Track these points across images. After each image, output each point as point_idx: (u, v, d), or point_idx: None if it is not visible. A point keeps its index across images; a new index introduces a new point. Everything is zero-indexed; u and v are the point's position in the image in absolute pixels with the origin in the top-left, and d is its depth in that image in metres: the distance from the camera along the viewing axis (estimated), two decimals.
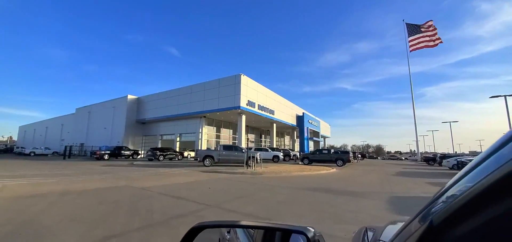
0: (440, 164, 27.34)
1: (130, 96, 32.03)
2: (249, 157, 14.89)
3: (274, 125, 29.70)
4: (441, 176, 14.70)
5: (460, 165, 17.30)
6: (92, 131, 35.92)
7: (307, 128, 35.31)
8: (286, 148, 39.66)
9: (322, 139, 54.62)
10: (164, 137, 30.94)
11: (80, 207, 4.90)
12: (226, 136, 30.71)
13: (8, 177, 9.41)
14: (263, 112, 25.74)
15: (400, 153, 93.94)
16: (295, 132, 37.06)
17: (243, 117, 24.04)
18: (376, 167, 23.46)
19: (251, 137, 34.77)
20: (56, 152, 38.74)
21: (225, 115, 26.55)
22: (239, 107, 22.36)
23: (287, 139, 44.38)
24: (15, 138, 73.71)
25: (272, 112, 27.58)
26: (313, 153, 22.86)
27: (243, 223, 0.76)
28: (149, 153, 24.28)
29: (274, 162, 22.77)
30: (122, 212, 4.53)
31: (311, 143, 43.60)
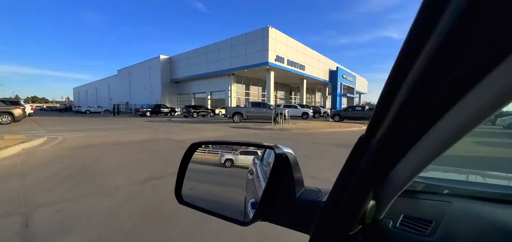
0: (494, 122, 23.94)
1: (162, 56, 33.29)
2: (277, 114, 14.91)
3: (305, 81, 28.55)
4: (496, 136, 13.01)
5: None
6: (134, 90, 39.25)
7: (341, 83, 33.23)
8: (317, 104, 38.54)
9: (358, 95, 51.28)
10: (197, 95, 32.40)
11: (127, 154, 5.60)
12: (255, 93, 30.81)
13: (68, 131, 11.10)
14: (292, 68, 24.69)
15: None
16: (326, 88, 35.33)
17: (272, 73, 23.49)
18: None
19: (280, 93, 34.32)
20: (107, 110, 43.89)
21: (253, 72, 26.25)
22: (267, 63, 21.72)
23: (318, 95, 42.83)
24: (71, 98, 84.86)
25: (302, 67, 26.29)
26: (345, 109, 21.82)
27: (235, 140, 0.88)
28: (184, 110, 25.94)
29: (303, 119, 22.53)
30: (161, 160, 5.06)
31: (344, 100, 41.46)
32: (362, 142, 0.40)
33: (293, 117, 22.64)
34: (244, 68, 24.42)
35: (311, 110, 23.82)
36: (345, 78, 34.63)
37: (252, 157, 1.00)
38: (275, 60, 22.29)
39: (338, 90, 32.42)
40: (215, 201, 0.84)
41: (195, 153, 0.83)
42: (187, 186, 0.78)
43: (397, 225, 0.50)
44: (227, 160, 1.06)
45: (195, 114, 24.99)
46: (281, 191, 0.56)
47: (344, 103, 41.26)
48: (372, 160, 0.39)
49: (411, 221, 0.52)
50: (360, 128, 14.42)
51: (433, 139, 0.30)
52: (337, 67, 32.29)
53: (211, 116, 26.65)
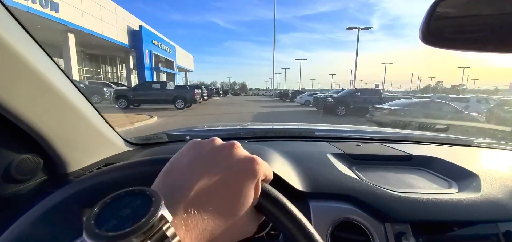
0: (291, 99, 27.27)
1: None
2: None
3: (70, 36, 15.86)
4: (308, 119, 10.72)
5: (316, 100, 14.67)
6: None
7: (150, 51, 23.96)
8: (120, 81, 26.85)
9: (183, 72, 45.00)
10: None
11: None
12: None
13: None
14: None
15: (259, 90, 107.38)
16: (131, 57, 24.56)
17: None
18: (234, 106, 18.14)
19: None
20: None
21: None
22: None
23: (124, 67, 30.62)
24: None
25: (53, 6, 13.57)
26: (134, 88, 13.21)
27: None
28: None
29: None
30: None
31: (163, 76, 32.92)
32: None
33: None
34: None
35: None
36: (157, 45, 25.75)
37: None
38: None
39: (147, 61, 23.03)
40: None
41: None
42: None
43: None
44: None
45: None
46: None
47: (163, 80, 32.85)
48: None
49: None
50: (134, 126, 6.76)
51: None
52: (141, 27, 22.39)
53: None
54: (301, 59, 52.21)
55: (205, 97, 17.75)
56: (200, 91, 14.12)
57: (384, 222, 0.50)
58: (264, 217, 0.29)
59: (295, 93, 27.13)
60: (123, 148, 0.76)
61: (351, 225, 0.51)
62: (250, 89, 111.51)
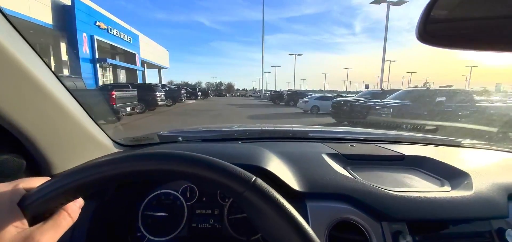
0: (287, 103, 21.35)
1: None
2: None
3: None
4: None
5: (350, 107, 8.64)
6: None
7: (92, 36, 17.03)
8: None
9: (156, 69, 37.78)
10: None
11: None
12: None
13: None
14: None
15: (246, 90, 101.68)
16: (62, 45, 17.40)
17: None
18: (208, 115, 11.86)
19: None
20: None
21: None
22: None
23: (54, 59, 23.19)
24: None
25: None
26: None
27: None
28: None
29: None
30: None
31: (121, 73, 25.76)
32: None
33: None
34: None
35: None
36: (106, 29, 18.73)
37: None
38: None
39: (85, 49, 16.14)
40: None
41: None
42: None
43: None
44: None
45: None
46: None
47: (122, 78, 25.67)
48: None
49: None
50: None
51: None
52: (73, 0, 15.43)
53: None
54: (295, 54, 46.31)
55: (161, 103, 11.31)
56: (132, 93, 7.59)
57: (381, 221, 0.51)
58: None
59: (292, 95, 21.19)
60: (112, 149, 0.73)
61: (348, 225, 0.51)
62: (237, 90, 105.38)
